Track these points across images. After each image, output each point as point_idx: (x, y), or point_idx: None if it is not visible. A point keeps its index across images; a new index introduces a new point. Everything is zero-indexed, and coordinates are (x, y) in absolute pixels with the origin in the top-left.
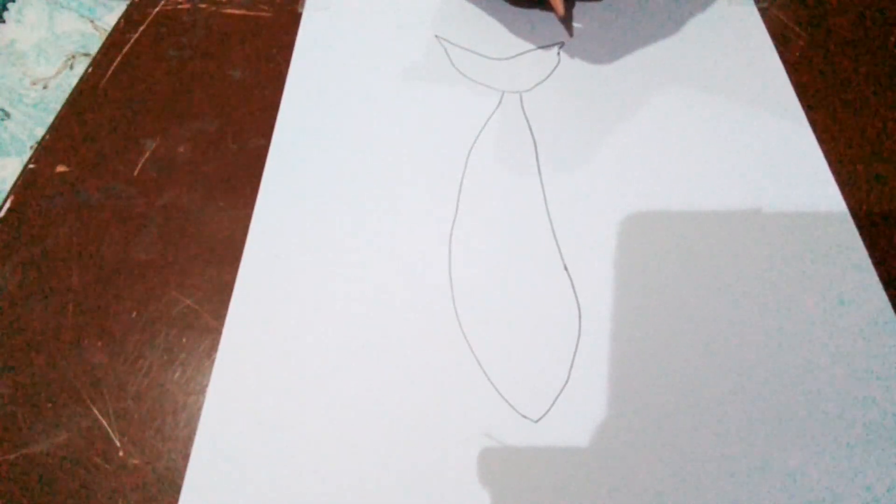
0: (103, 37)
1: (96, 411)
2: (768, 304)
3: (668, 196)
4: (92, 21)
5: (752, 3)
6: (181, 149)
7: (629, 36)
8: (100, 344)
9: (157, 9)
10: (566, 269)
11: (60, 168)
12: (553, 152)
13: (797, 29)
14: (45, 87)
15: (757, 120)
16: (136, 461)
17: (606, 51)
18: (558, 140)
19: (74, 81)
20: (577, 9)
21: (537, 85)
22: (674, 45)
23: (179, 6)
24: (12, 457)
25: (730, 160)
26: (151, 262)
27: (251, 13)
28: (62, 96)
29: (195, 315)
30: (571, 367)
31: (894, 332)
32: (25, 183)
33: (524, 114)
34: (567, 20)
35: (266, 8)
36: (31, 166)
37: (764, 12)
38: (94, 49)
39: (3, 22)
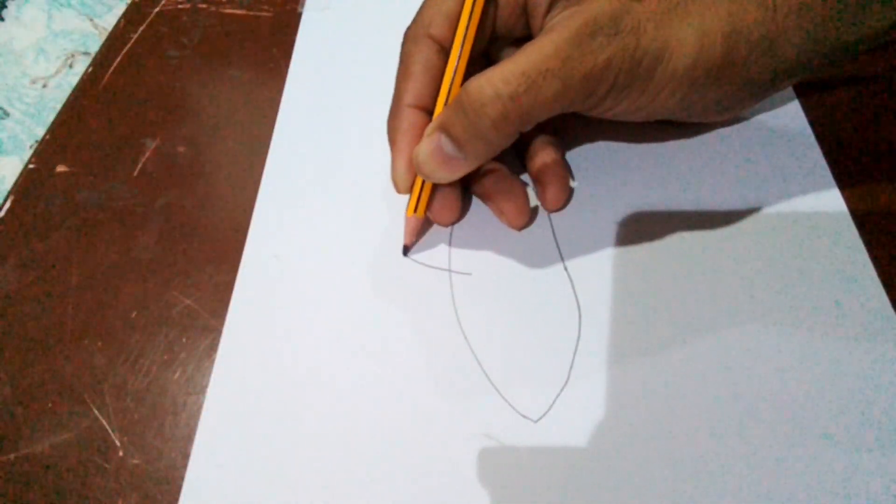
0: (103, 36)
1: (96, 411)
2: (767, 304)
3: (667, 196)
4: (91, 20)
5: None
6: (181, 149)
7: None
8: (100, 344)
9: (157, 9)
10: (566, 269)
11: (60, 168)
12: None
13: None
14: (44, 86)
15: (756, 119)
16: (136, 461)
17: None
18: None
19: (74, 81)
20: None
21: None
22: None
23: (179, 6)
24: (12, 457)
25: (729, 160)
26: (151, 262)
27: (251, 13)
28: (62, 96)
29: (195, 315)
30: (571, 367)
31: (894, 332)
32: (25, 183)
33: None
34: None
35: (266, 8)
36: (30, 166)
37: None
38: (93, 48)
39: (2, 20)
